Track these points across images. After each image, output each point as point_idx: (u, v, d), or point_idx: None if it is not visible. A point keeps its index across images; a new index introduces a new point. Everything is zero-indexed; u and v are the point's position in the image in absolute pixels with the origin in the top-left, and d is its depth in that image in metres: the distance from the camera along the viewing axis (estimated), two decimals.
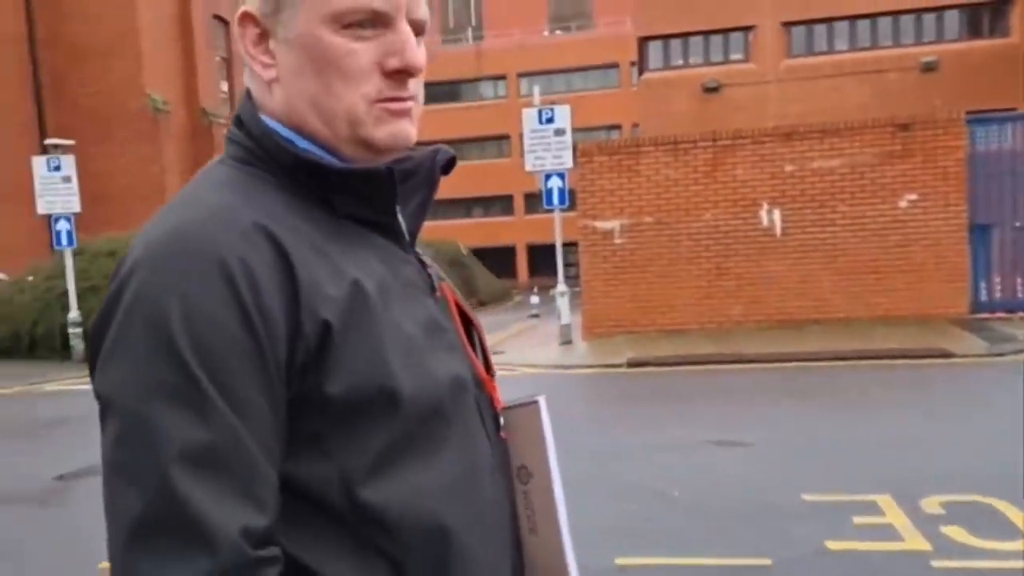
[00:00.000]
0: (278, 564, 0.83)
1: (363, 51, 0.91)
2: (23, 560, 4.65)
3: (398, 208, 0.99)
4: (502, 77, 41.09)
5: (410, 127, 0.96)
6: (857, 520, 4.55)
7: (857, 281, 12.34)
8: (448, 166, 1.05)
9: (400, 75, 0.93)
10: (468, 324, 1.07)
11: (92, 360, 0.88)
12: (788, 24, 22.82)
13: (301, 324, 0.85)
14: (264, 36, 0.95)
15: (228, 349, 0.82)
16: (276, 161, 0.94)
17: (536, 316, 18.00)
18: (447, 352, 0.96)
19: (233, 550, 0.79)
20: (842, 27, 22.78)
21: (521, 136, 12.38)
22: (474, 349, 1.05)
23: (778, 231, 12.51)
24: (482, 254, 30.18)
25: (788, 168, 12.47)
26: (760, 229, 12.55)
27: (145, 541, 0.80)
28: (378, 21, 0.92)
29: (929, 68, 21.57)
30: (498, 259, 35.49)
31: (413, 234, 1.02)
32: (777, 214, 12.49)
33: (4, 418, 9.39)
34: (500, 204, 40.72)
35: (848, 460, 5.79)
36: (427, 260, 1.04)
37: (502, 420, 1.05)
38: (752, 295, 12.57)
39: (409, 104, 0.95)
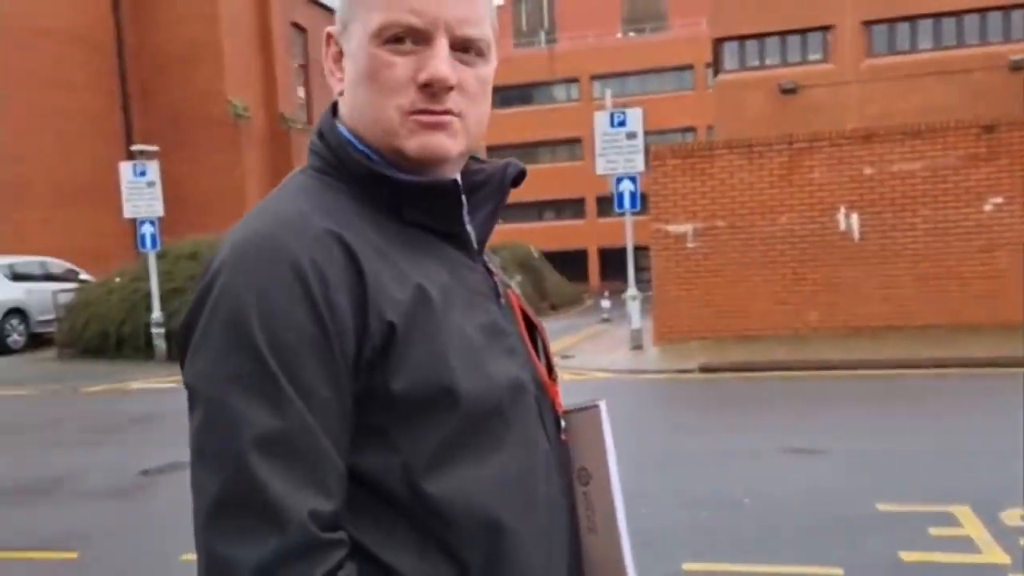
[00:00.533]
0: (344, 547, 0.89)
1: (401, 64, 0.96)
2: (110, 551, 4.85)
3: (466, 218, 1.04)
4: (575, 80, 41.01)
5: (445, 140, 0.98)
6: (933, 531, 4.42)
7: (939, 287, 11.94)
8: (518, 179, 1.10)
9: (430, 88, 0.96)
10: (532, 329, 1.11)
11: (182, 352, 0.96)
12: (869, 23, 22.18)
13: (368, 323, 0.91)
14: (341, 54, 1.04)
15: (300, 343, 0.88)
16: (349, 171, 1.00)
17: (607, 320, 17.91)
18: (507, 355, 1.01)
19: (301, 531, 0.85)
20: (926, 25, 22.04)
21: (594, 139, 12.36)
22: (538, 354, 1.09)
23: (856, 235, 12.20)
24: (553, 257, 30.15)
25: (867, 171, 12.15)
26: (837, 233, 12.26)
27: (222, 520, 0.87)
28: (417, 37, 0.96)
29: (1018, 67, 20.69)
30: (569, 263, 35.43)
31: (481, 242, 1.07)
32: (855, 218, 12.18)
33: (93, 415, 9.79)
34: (572, 207, 40.65)
35: (925, 470, 5.62)
36: (493, 268, 1.09)
37: (563, 423, 1.09)
38: (829, 301, 12.27)
39: (445, 118, 0.98)
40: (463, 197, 1.03)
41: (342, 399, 0.90)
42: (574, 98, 41.05)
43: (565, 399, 1.11)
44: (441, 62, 0.96)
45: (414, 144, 0.98)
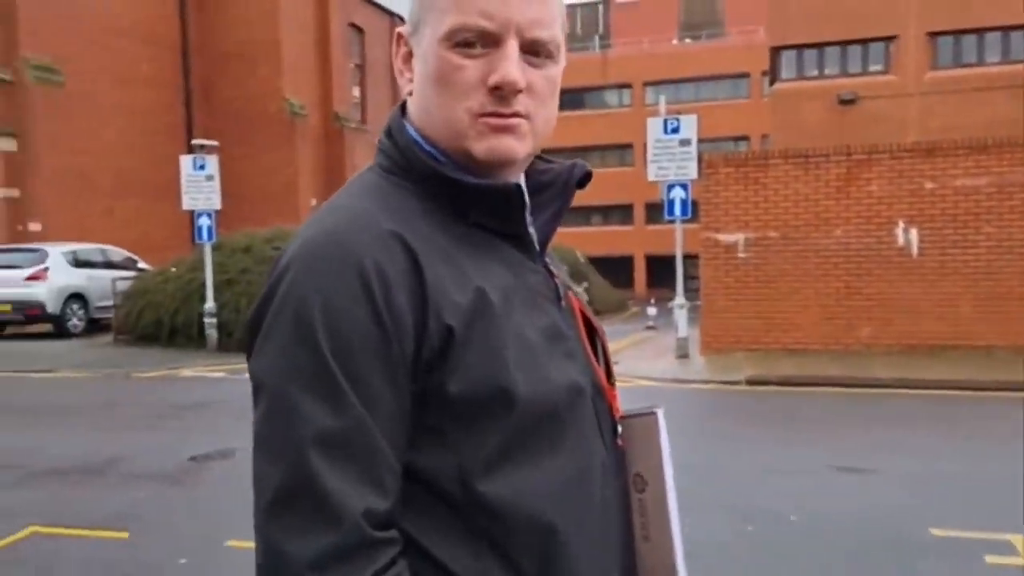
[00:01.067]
0: (396, 546, 0.90)
1: (471, 67, 0.97)
2: (159, 533, 4.95)
3: (529, 219, 1.04)
4: (627, 85, 40.84)
5: (513, 143, 0.99)
6: (990, 559, 4.30)
7: (1001, 307, 11.61)
8: (584, 180, 1.10)
9: (500, 91, 0.96)
10: (593, 333, 1.10)
11: (249, 344, 0.97)
12: (934, 34, 21.70)
13: (427, 325, 0.92)
14: (410, 54, 1.04)
15: (360, 343, 0.89)
16: (416, 171, 1.01)
17: (653, 328, 17.80)
18: (566, 359, 1.01)
19: (355, 529, 0.87)
20: (994, 38, 21.47)
21: (644, 145, 12.27)
22: (597, 358, 1.08)
23: (914, 251, 11.94)
24: (599, 263, 30.06)
25: (928, 185, 11.88)
26: (895, 248, 12.01)
27: (279, 513, 0.89)
28: (488, 40, 0.96)
29: None
30: (615, 268, 35.27)
31: (544, 243, 1.07)
32: (914, 233, 11.92)
33: (146, 401, 10.03)
34: (620, 213, 40.45)
35: (983, 495, 5.46)
36: (555, 270, 1.09)
37: (619, 428, 1.09)
38: (883, 317, 12.02)
39: (513, 121, 0.98)
40: (527, 200, 1.03)
41: (400, 399, 0.91)
42: (626, 103, 40.89)
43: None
44: (511, 65, 0.96)
45: (482, 147, 0.98)
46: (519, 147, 0.99)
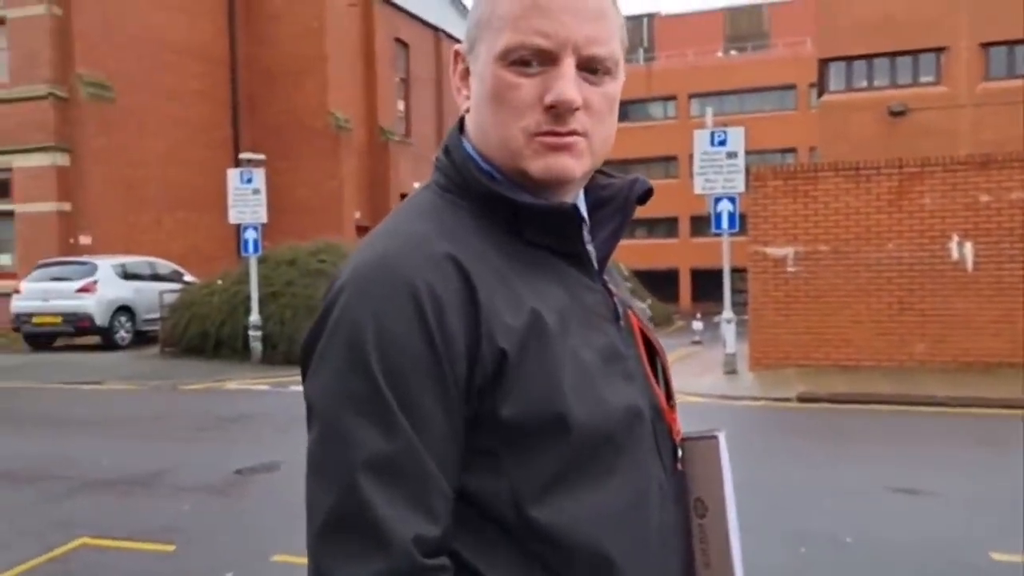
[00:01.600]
0: (446, 573, 0.88)
1: (528, 86, 0.96)
2: (206, 546, 4.97)
3: (587, 237, 1.03)
4: (672, 98, 40.66)
5: (570, 161, 0.97)
6: None
7: None
8: (645, 196, 1.09)
9: (556, 110, 0.95)
10: (653, 353, 1.07)
11: (304, 365, 0.97)
12: (986, 45, 21.25)
13: (480, 349, 0.91)
14: (468, 72, 1.04)
15: (413, 368, 0.89)
16: (472, 190, 1.00)
17: (699, 343, 17.59)
18: (624, 381, 0.99)
19: (405, 556, 0.86)
20: None
21: (690, 157, 12.18)
22: (657, 378, 1.05)
23: (969, 265, 11.63)
24: (643, 276, 29.87)
25: (984, 199, 11.58)
26: (949, 263, 11.71)
27: (330, 537, 0.88)
28: (544, 59, 0.95)
29: None
30: (660, 282, 34.99)
31: (603, 261, 1.06)
32: (969, 247, 11.62)
33: (192, 413, 10.16)
34: (665, 226, 40.17)
35: None
36: (614, 288, 1.06)
37: (680, 452, 1.06)
38: (937, 333, 11.72)
39: (570, 139, 0.96)
40: (585, 217, 1.02)
41: (453, 423, 0.90)
42: (671, 116, 40.69)
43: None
44: (568, 84, 0.94)
45: (539, 166, 0.97)
46: (576, 166, 0.98)
